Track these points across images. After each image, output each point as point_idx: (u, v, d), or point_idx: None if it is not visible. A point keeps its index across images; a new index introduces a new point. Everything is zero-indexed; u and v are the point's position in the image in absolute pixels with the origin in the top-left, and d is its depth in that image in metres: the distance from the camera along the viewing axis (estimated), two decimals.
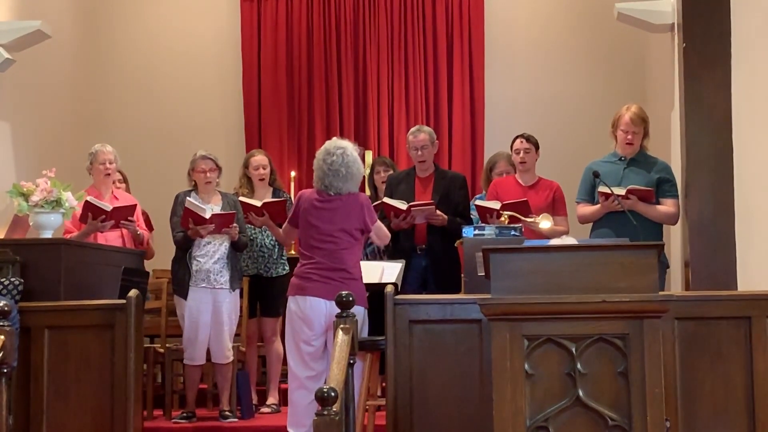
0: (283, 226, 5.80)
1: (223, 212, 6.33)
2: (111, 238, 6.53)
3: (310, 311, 5.25)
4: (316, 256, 5.32)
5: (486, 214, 6.16)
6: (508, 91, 9.75)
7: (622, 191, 5.87)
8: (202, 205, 6.31)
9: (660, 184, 6.02)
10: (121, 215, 6.41)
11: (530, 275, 4.12)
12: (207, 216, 6.21)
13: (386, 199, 6.50)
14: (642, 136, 6.09)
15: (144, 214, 7.05)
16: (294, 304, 5.32)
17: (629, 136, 6.05)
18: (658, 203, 6.01)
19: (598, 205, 6.01)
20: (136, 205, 6.65)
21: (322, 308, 5.23)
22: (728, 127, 6.00)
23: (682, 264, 6.30)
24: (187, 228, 6.25)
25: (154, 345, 7.14)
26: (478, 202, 6.41)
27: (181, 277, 6.35)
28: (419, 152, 6.68)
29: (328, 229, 5.33)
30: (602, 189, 5.95)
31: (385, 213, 6.44)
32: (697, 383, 4.74)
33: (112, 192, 6.77)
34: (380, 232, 5.55)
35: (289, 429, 5.30)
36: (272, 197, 6.81)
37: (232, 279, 6.37)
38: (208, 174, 6.49)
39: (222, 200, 6.53)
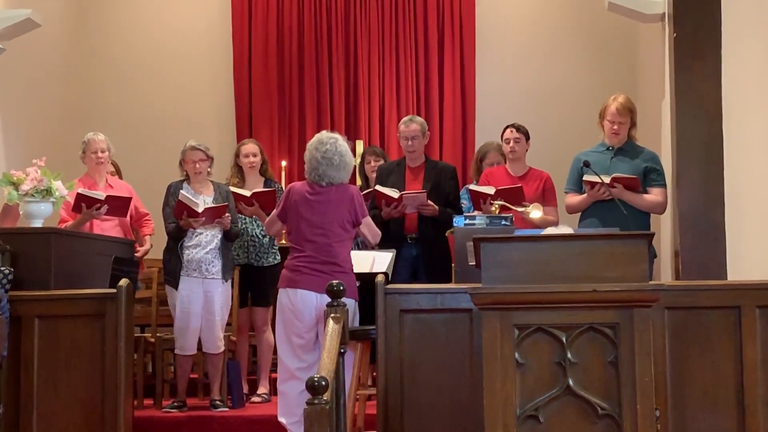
0: (269, 216, 5.78)
1: (215, 205, 6.32)
2: (107, 227, 6.52)
3: (301, 304, 5.25)
4: (307, 250, 5.31)
5: (479, 199, 6.17)
6: (499, 82, 9.74)
7: (607, 179, 5.88)
8: (195, 198, 6.29)
9: (647, 173, 6.03)
10: (116, 204, 6.39)
11: (521, 265, 4.12)
12: (200, 210, 6.20)
13: (378, 187, 6.49)
14: (629, 126, 6.10)
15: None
16: (285, 296, 5.32)
17: (615, 127, 6.06)
18: (645, 192, 6.02)
19: (585, 195, 6.03)
20: (130, 198, 6.63)
21: (313, 301, 5.23)
22: (718, 117, 6.02)
23: (672, 254, 6.32)
24: (181, 219, 6.24)
25: (145, 334, 7.13)
26: (472, 187, 6.41)
27: (172, 267, 6.34)
28: (410, 142, 6.68)
29: (320, 222, 5.32)
30: (587, 177, 5.96)
31: (377, 202, 6.44)
32: (686, 372, 4.75)
33: (107, 180, 6.76)
34: (371, 228, 5.53)
35: (280, 419, 5.31)
36: (263, 187, 6.81)
37: (224, 269, 6.36)
38: (198, 165, 6.47)
39: (214, 191, 6.52)
